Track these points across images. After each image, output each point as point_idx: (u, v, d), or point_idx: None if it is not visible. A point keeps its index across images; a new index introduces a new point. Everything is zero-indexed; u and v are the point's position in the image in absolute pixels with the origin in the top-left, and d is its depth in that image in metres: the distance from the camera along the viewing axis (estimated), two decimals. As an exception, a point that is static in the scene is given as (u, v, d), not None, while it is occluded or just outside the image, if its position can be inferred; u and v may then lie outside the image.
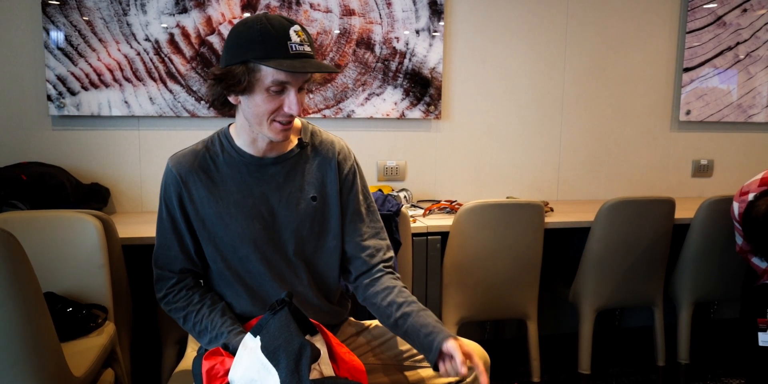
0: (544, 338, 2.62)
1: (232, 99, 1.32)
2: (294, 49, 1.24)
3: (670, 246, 2.48)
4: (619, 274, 2.42)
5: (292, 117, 1.30)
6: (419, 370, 1.49)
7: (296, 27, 1.26)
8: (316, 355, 1.27)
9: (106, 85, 2.48)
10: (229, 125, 1.44)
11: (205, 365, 1.31)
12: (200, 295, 1.43)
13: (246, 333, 1.38)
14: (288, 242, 1.42)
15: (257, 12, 2.59)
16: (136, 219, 2.41)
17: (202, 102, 2.57)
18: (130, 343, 1.97)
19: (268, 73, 1.24)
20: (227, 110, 1.38)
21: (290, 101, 1.27)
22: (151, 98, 2.53)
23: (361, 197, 1.49)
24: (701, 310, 2.99)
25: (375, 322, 1.61)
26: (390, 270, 1.48)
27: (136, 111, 2.52)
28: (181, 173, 1.38)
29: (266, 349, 1.29)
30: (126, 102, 2.51)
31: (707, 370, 2.85)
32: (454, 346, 1.26)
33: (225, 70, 1.27)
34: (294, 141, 1.44)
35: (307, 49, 1.26)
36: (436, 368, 1.32)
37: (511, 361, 2.90)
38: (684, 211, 2.50)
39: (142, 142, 2.57)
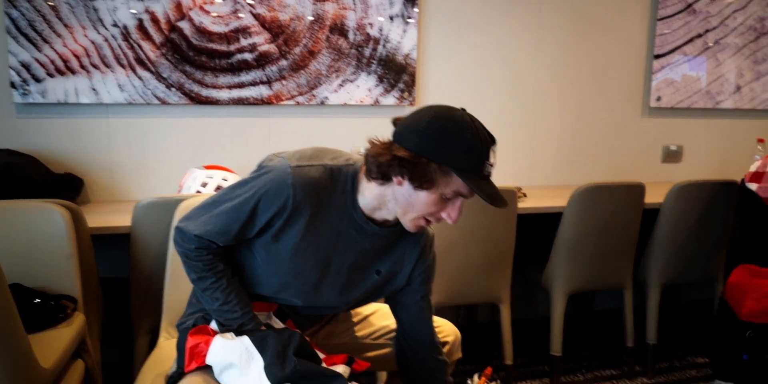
0: (517, 322, 2.66)
1: (396, 181, 1.21)
2: (488, 170, 1.21)
3: (640, 230, 2.53)
4: (591, 258, 2.46)
5: (440, 221, 1.26)
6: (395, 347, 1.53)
7: (494, 146, 1.23)
8: (303, 343, 1.29)
9: (73, 72, 2.43)
10: (360, 171, 1.30)
11: (190, 341, 1.31)
12: (224, 264, 1.34)
13: (257, 320, 1.37)
14: (333, 296, 1.38)
15: (227, -3, 2.55)
16: (107, 208, 2.38)
17: (173, 89, 2.53)
18: (100, 334, 1.96)
19: (458, 185, 1.18)
20: (380, 181, 1.24)
21: (454, 209, 1.23)
22: (119, 85, 2.48)
23: (428, 284, 1.48)
24: (670, 292, 3.05)
25: None
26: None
27: (104, 98, 2.47)
28: (298, 197, 1.24)
29: (254, 336, 1.30)
30: (94, 89, 2.46)
31: (674, 351, 2.92)
32: None
33: (417, 159, 1.16)
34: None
35: (492, 170, 1.24)
36: None
37: (484, 344, 2.94)
38: (654, 196, 2.54)
39: (111, 131, 2.53)
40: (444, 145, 1.17)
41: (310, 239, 1.29)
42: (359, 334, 1.57)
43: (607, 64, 3.17)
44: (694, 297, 3.27)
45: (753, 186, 2.22)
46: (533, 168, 3.15)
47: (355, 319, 1.59)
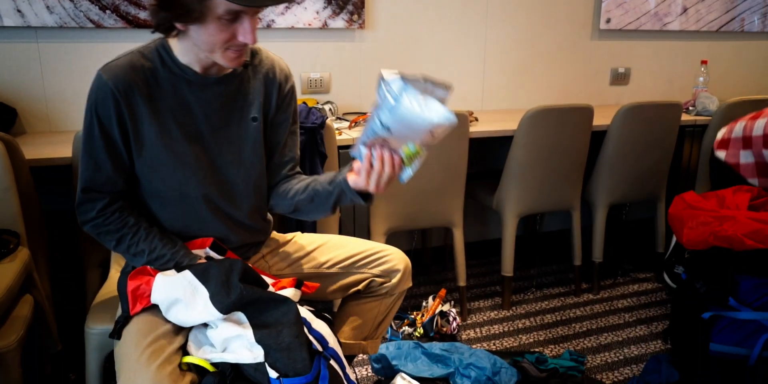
0: (469, 245, 2.73)
1: (179, 26, 1.22)
2: None
3: (588, 152, 2.57)
4: (541, 180, 2.51)
5: (246, 45, 1.23)
6: (346, 277, 1.54)
7: None
8: (247, 269, 1.27)
9: (-7, -8, 2.23)
10: (166, 38, 1.31)
11: (131, 285, 1.29)
12: (135, 217, 1.36)
13: (192, 253, 1.36)
14: (229, 165, 1.38)
15: None
16: (45, 139, 2.26)
17: (108, 11, 2.37)
18: (48, 268, 1.91)
19: (221, 3, 1.14)
20: (174, 34, 1.26)
21: (245, 30, 1.19)
22: (48, 7, 2.30)
23: (293, 117, 1.49)
24: (614, 212, 3.16)
25: (296, 234, 1.64)
26: (299, 171, 1.53)
27: (32, 21, 2.30)
28: (120, 86, 1.26)
29: (195, 269, 1.28)
30: (19, 11, 2.28)
31: (618, 268, 3.07)
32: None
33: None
34: None
35: None
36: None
37: (438, 268, 3.02)
38: (602, 119, 2.58)
39: (42, 56, 2.37)
40: None
41: (164, 119, 1.31)
42: (307, 266, 1.55)
43: (558, -16, 3.12)
44: (637, 216, 3.40)
45: (721, 154, 2.26)
46: (485, 92, 3.13)
47: (300, 253, 1.57)
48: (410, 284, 1.58)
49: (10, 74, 2.34)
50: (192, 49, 1.28)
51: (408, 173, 1.27)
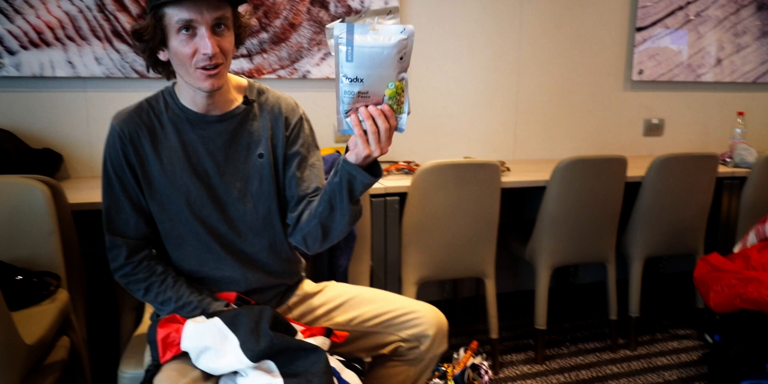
0: (501, 296, 2.68)
1: (161, 56, 1.30)
2: None
3: (622, 203, 2.55)
4: (574, 231, 2.48)
5: (211, 60, 1.25)
6: (373, 337, 1.49)
7: None
8: (276, 316, 1.27)
9: (48, 45, 2.36)
10: (174, 83, 1.40)
11: (161, 333, 1.29)
12: (163, 266, 1.39)
13: (219, 300, 1.37)
14: (236, 201, 1.39)
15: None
16: (87, 184, 2.33)
17: (151, 62, 2.48)
18: (85, 310, 1.94)
19: (172, 15, 1.22)
20: (166, 71, 1.35)
21: (202, 41, 1.23)
22: (97, 58, 2.42)
23: (305, 147, 1.44)
24: (651, 264, 3.09)
25: (328, 284, 1.61)
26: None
27: (81, 72, 2.41)
28: (125, 130, 1.35)
29: (224, 316, 1.28)
30: (70, 62, 2.39)
31: (656, 323, 2.98)
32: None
33: (138, 26, 1.26)
34: (239, 99, 1.41)
35: None
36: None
37: (470, 319, 2.97)
38: (636, 170, 2.56)
39: (89, 105, 2.47)
40: None
41: (168, 157, 1.36)
42: (333, 321, 1.50)
43: (589, 36, 3.16)
44: (675, 269, 3.32)
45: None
46: (516, 142, 3.15)
47: (329, 306, 1.52)
48: (445, 347, 1.48)
49: (58, 121, 2.44)
50: (182, 83, 1.34)
51: (403, 119, 1.17)
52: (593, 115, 3.26)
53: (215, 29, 1.24)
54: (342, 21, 1.09)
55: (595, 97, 3.24)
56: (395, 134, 1.19)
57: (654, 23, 3.23)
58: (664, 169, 2.52)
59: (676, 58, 3.31)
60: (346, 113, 1.15)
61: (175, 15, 1.21)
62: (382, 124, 1.15)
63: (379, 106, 1.14)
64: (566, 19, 3.10)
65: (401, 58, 1.11)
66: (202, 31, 1.23)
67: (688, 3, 3.27)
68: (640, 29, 3.20)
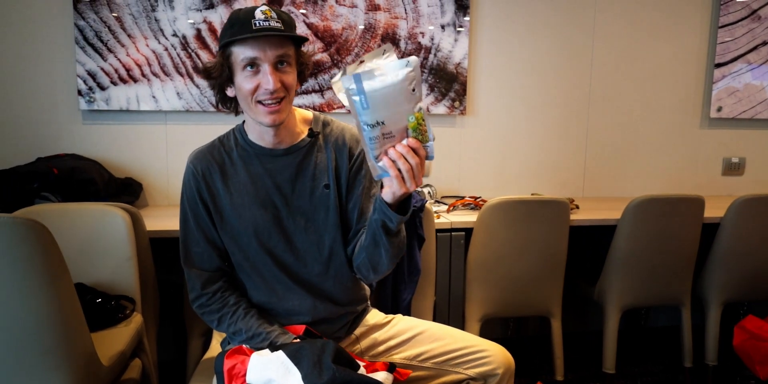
0: (568, 336, 2.60)
1: (229, 92, 1.38)
2: (258, 25, 1.28)
3: (699, 245, 2.44)
4: (646, 272, 2.39)
5: (272, 94, 1.30)
6: (440, 375, 1.47)
7: (263, 7, 1.30)
8: (339, 350, 1.28)
9: (135, 80, 2.51)
10: (243, 122, 1.47)
11: (227, 364, 1.32)
12: (236, 297, 1.45)
13: (287, 333, 1.40)
14: (302, 231, 1.43)
15: (282, 7, 2.60)
16: (164, 212, 2.44)
17: (229, 97, 2.59)
18: (156, 334, 2.00)
19: (239, 53, 1.29)
20: (233, 108, 1.42)
21: (264, 77, 1.30)
22: (178, 93, 2.56)
23: (368, 177, 1.47)
24: (730, 311, 2.93)
25: (396, 317, 1.61)
26: None
27: (163, 106, 2.55)
28: (198, 168, 1.43)
29: (287, 350, 1.30)
30: (154, 97, 2.54)
31: (735, 373, 2.80)
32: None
33: (209, 64, 1.35)
34: (305, 132, 1.46)
35: (275, 24, 1.29)
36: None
37: (534, 358, 2.89)
38: (714, 210, 2.46)
39: (169, 137, 2.60)
40: (221, 34, 1.34)
41: (238, 191, 1.42)
42: (399, 355, 1.50)
43: (664, 72, 3.09)
44: (758, 314, 3.13)
45: None
46: (586, 179, 3.09)
47: (396, 339, 1.52)
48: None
49: (140, 152, 2.58)
50: (251, 123, 1.41)
51: (430, 146, 1.18)
52: (668, 153, 3.17)
53: (278, 66, 1.31)
54: (343, 72, 1.14)
55: (669, 134, 3.15)
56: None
57: (735, 59, 3.13)
58: (745, 210, 2.41)
59: (758, 95, 3.19)
60: (376, 158, 1.18)
61: (241, 53, 1.29)
62: (413, 160, 1.18)
63: (404, 142, 1.17)
64: (640, 54, 3.05)
65: (413, 90, 1.14)
66: (265, 68, 1.30)
67: (771, 38, 3.16)
68: (719, 65, 3.11)
